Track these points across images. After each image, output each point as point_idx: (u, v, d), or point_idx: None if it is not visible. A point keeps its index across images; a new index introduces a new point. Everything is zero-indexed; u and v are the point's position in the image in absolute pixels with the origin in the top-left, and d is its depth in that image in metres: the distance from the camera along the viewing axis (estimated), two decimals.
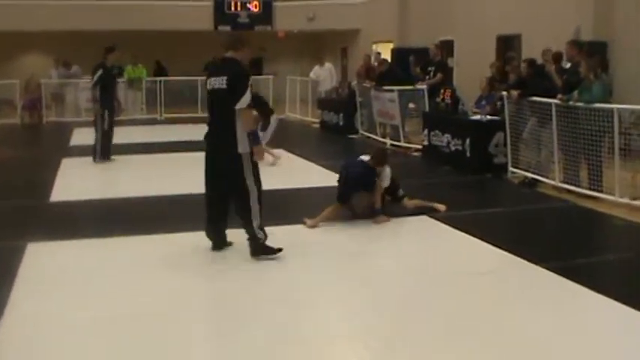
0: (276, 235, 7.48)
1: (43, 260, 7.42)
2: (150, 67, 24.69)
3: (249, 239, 7.32)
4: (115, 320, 5.72)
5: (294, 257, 7.37)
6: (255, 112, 7.61)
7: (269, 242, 7.31)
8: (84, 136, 16.41)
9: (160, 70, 28.33)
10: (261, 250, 7.28)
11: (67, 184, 11.56)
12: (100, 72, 13.41)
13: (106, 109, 13.54)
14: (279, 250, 7.32)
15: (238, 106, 7.07)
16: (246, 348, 5.21)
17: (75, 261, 7.37)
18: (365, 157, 9.18)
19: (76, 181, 11.91)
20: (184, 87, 26.19)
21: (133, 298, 6.26)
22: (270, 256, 7.27)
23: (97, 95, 13.51)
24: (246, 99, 7.09)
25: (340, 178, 9.03)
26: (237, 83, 7.15)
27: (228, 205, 7.50)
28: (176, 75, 26.29)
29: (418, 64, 17.32)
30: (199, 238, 7.71)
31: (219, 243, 7.65)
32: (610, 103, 10.33)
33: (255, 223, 7.23)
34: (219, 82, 7.26)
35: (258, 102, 12.77)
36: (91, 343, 5.31)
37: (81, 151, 14.36)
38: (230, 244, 7.66)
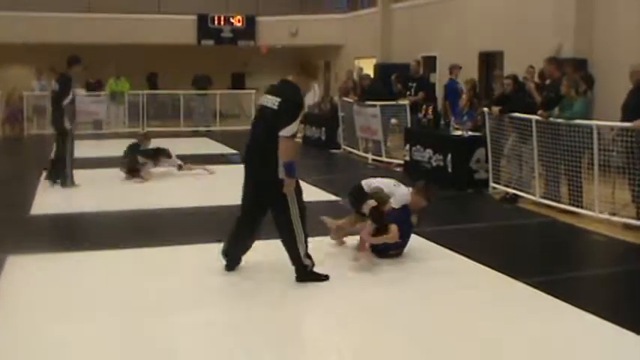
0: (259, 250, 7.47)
1: (23, 273, 7.37)
2: (136, 80, 24.60)
3: (294, 264, 7.08)
4: (96, 333, 5.69)
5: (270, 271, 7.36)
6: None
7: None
8: None
9: (151, 85, 28.40)
10: (308, 276, 7.05)
11: (47, 197, 11.51)
12: (70, 84, 12.48)
13: (72, 126, 12.54)
14: (327, 277, 7.09)
15: (283, 132, 6.82)
16: None
17: (54, 274, 7.32)
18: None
19: (57, 194, 11.85)
20: (167, 101, 26.23)
21: (115, 311, 6.22)
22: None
23: (72, 113, 12.52)
24: (291, 128, 6.84)
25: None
26: (286, 110, 6.91)
27: (256, 231, 7.28)
28: (160, 89, 26.34)
29: (399, 82, 17.42)
30: (188, 252, 7.69)
31: (233, 264, 7.42)
32: (590, 119, 10.41)
33: (302, 251, 6.99)
34: (271, 102, 7.05)
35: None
36: (72, 356, 5.29)
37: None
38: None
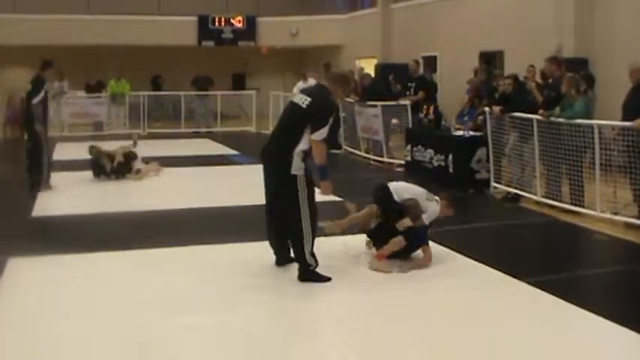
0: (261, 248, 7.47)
1: (25, 275, 7.36)
2: (136, 82, 24.56)
3: (298, 262, 7.13)
4: (97, 334, 5.70)
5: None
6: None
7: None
8: (66, 151, 16.39)
9: (155, 87, 28.43)
10: (310, 276, 7.06)
11: (49, 199, 11.50)
12: (46, 87, 12.42)
13: (42, 128, 12.28)
14: (329, 279, 7.09)
15: (314, 136, 6.93)
16: None
17: (55, 276, 7.31)
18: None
19: (59, 196, 11.85)
20: (168, 102, 26.22)
21: (116, 313, 6.22)
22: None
23: (41, 114, 12.24)
24: (323, 132, 6.94)
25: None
26: (316, 112, 7.00)
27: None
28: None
29: (398, 82, 17.43)
30: (193, 253, 7.71)
31: (282, 259, 7.46)
32: (592, 118, 10.41)
33: (307, 249, 7.02)
34: (302, 100, 7.14)
35: None
36: (73, 357, 5.30)
37: (63, 165, 14.28)
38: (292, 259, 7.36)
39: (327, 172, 7.10)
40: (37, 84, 12.32)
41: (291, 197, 6.98)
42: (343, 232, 8.10)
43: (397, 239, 7.54)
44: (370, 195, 8.19)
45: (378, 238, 7.86)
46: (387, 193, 7.96)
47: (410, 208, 7.72)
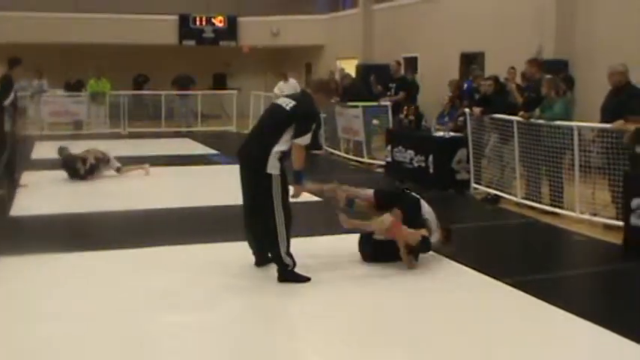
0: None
1: (3, 275, 7.30)
2: (117, 80, 24.42)
3: (275, 263, 7.12)
4: (74, 334, 5.66)
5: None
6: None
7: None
8: (46, 150, 16.26)
9: (137, 86, 28.34)
10: (289, 276, 7.05)
11: (28, 198, 11.42)
12: (16, 86, 12.24)
13: (13, 128, 12.20)
14: (308, 279, 7.07)
15: (298, 141, 6.95)
16: None
17: (34, 276, 7.25)
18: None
19: (38, 195, 11.77)
20: (148, 102, 26.12)
21: (96, 313, 6.19)
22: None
23: (6, 112, 12.01)
24: (306, 138, 6.97)
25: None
26: (303, 117, 7.03)
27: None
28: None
29: (379, 83, 17.46)
30: (172, 253, 7.69)
31: (261, 259, 7.45)
32: (571, 120, 10.46)
33: (282, 249, 7.00)
34: (285, 102, 7.17)
35: None
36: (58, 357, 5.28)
37: (43, 164, 14.21)
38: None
39: (302, 177, 7.14)
40: (6, 84, 12.11)
41: (266, 196, 6.98)
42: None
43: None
44: None
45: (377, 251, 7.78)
46: (418, 205, 8.01)
47: (428, 224, 7.83)
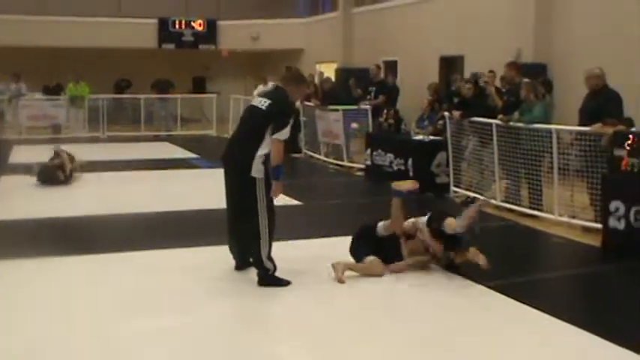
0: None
1: None
2: (96, 84, 24.29)
3: (256, 267, 7.11)
4: (53, 339, 5.63)
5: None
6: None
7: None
8: (23, 154, 16.17)
9: (118, 90, 28.23)
10: (270, 280, 7.03)
11: (5, 202, 11.34)
12: None
13: None
14: (288, 282, 7.07)
15: (277, 136, 6.92)
16: None
17: (10, 281, 7.19)
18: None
19: (15, 199, 11.70)
20: (128, 105, 26.02)
21: (75, 317, 6.15)
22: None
23: None
24: (285, 132, 6.95)
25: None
26: (279, 112, 7.02)
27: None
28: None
29: (358, 86, 17.48)
30: (151, 258, 7.67)
31: (242, 263, 7.44)
32: (550, 123, 10.53)
33: (264, 253, 6.99)
34: (260, 102, 7.17)
35: None
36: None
37: (21, 169, 14.13)
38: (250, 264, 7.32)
39: (280, 173, 7.06)
40: None
41: (250, 200, 6.97)
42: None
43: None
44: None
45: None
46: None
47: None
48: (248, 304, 6.67)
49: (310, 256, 8.08)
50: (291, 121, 7.12)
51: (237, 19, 28.90)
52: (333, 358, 5.43)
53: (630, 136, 8.62)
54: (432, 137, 12.99)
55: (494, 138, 11.02)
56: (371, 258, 7.41)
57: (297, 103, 19.24)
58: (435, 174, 12.57)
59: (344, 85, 18.63)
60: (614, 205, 8.49)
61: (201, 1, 29.51)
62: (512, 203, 10.85)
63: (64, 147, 14.36)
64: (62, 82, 24.44)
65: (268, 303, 6.72)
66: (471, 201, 11.52)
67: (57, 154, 13.45)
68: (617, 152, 8.70)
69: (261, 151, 6.94)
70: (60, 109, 23.15)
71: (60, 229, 9.64)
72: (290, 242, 8.31)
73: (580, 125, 9.93)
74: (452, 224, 7.29)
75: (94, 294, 6.79)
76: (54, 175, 12.99)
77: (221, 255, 7.57)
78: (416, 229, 7.53)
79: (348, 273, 7.29)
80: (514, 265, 8.24)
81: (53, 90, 24.83)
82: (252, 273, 7.16)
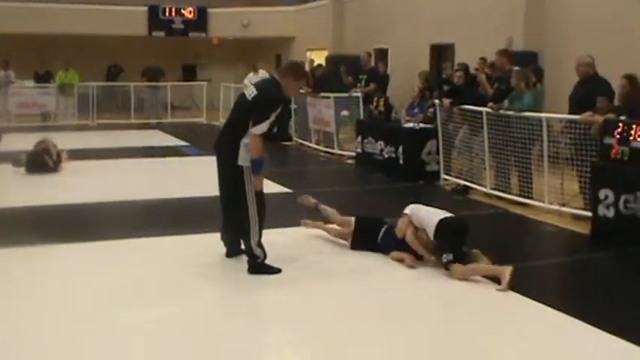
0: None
1: None
2: (86, 72, 24.16)
3: (247, 255, 7.12)
4: (46, 330, 5.63)
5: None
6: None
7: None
8: (13, 143, 16.09)
9: (110, 77, 28.14)
10: (259, 268, 7.04)
11: None
12: None
13: None
14: (279, 270, 7.07)
15: (253, 130, 6.85)
16: None
17: (1, 269, 7.19)
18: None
19: (5, 187, 11.65)
20: (118, 93, 25.94)
21: (68, 307, 6.14)
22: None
23: None
24: (262, 126, 6.85)
25: None
26: (261, 105, 6.93)
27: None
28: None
29: (349, 74, 17.45)
30: (142, 245, 7.68)
31: (233, 250, 7.45)
32: (540, 111, 10.53)
33: (254, 241, 6.99)
34: (249, 92, 7.14)
35: None
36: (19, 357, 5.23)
37: (10, 157, 14.06)
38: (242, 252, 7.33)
39: (262, 166, 7.00)
40: None
41: (239, 188, 6.97)
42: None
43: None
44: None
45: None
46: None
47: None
48: (238, 293, 6.67)
49: (301, 244, 8.09)
50: (273, 117, 6.95)
51: (227, 7, 28.80)
52: (324, 346, 5.44)
53: (620, 124, 8.62)
54: (422, 125, 12.98)
55: (485, 126, 11.02)
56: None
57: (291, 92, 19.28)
58: (425, 162, 12.58)
59: (335, 73, 18.58)
60: (604, 193, 8.51)
61: None
62: (503, 191, 10.86)
63: (54, 135, 14.30)
64: (52, 70, 24.31)
65: (258, 291, 6.71)
66: (461, 189, 11.53)
67: (42, 140, 13.41)
68: (607, 140, 8.71)
69: (247, 139, 6.93)
70: (49, 97, 23.02)
71: (50, 217, 9.61)
72: (280, 230, 8.31)
73: (570, 113, 9.94)
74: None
75: (84, 282, 6.79)
76: (42, 160, 12.94)
77: (211, 242, 7.57)
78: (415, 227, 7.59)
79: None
80: (504, 252, 8.23)
81: (42, 77, 24.68)
82: (243, 261, 7.17)
